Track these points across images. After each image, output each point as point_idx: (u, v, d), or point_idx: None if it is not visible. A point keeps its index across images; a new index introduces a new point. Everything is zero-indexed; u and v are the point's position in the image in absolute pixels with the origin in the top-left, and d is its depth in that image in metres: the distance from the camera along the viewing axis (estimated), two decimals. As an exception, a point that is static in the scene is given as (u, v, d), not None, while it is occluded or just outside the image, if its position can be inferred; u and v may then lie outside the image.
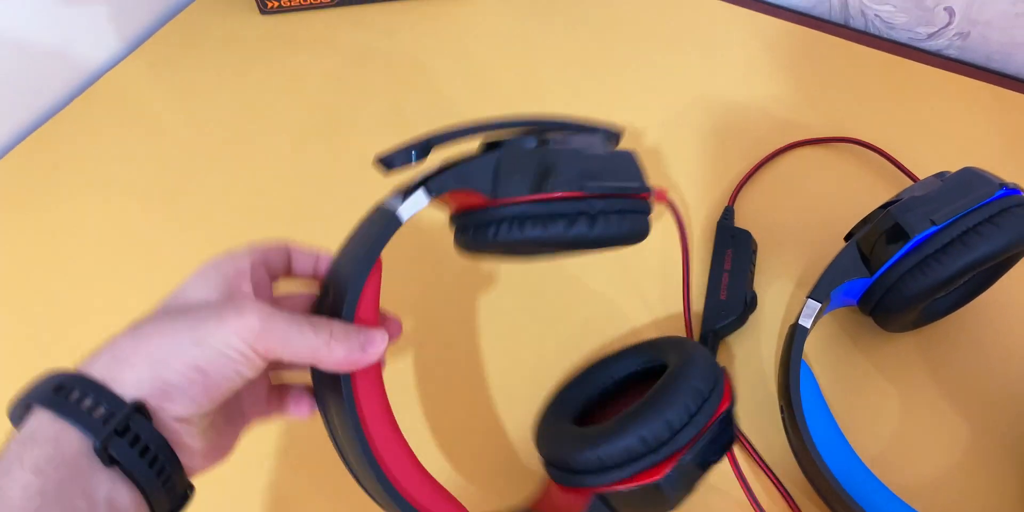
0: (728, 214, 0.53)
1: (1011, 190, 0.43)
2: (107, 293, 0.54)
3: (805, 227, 0.54)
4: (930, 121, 0.59)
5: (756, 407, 0.46)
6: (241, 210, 0.58)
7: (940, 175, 0.45)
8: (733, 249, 0.51)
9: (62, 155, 0.63)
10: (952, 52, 0.65)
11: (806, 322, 0.43)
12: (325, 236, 0.40)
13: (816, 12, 0.69)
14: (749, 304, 0.48)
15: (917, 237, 0.41)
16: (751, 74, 0.64)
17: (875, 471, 0.43)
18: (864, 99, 0.61)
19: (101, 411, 0.28)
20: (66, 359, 0.32)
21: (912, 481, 0.44)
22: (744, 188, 0.56)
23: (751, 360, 0.49)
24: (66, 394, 0.28)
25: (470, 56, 0.67)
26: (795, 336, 0.43)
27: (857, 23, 0.68)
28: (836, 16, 0.68)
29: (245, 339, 0.30)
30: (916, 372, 0.47)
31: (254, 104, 0.65)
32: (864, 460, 0.43)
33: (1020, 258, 0.46)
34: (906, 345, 0.48)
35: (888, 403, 0.46)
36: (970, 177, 0.43)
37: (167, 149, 0.62)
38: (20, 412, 0.29)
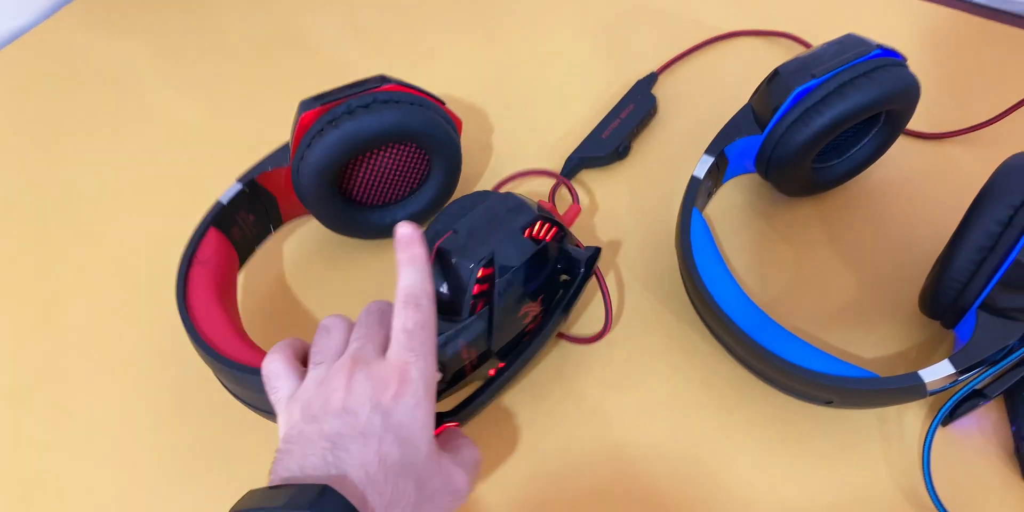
0: (650, 78, 0.60)
1: (887, 51, 0.46)
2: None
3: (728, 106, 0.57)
4: (856, 28, 0.63)
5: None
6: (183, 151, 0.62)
7: (827, 42, 0.48)
8: (635, 105, 0.57)
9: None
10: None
11: (699, 173, 0.47)
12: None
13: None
14: (620, 152, 0.55)
15: (798, 90, 0.45)
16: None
17: (770, 312, 0.46)
18: (795, 6, 0.65)
19: None
20: None
21: (801, 322, 0.47)
22: (680, 66, 0.62)
23: (609, 199, 0.55)
24: None
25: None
26: (688, 186, 0.46)
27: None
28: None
29: None
30: (812, 234, 0.51)
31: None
32: (760, 304, 0.47)
33: (903, 124, 0.49)
34: (804, 210, 0.52)
35: (784, 259, 0.50)
36: (851, 40, 0.47)
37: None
38: None
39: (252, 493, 0.33)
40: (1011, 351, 0.40)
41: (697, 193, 0.46)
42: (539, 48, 0.64)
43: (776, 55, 0.61)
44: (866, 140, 0.50)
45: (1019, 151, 0.44)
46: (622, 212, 0.53)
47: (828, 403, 0.42)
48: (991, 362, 0.40)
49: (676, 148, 0.56)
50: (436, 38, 0.66)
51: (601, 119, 0.57)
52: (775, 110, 0.46)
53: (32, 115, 0.64)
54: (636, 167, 0.56)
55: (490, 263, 0.39)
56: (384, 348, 0.38)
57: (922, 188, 0.52)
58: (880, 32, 0.61)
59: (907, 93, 0.46)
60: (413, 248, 0.39)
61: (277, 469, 0.34)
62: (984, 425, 0.43)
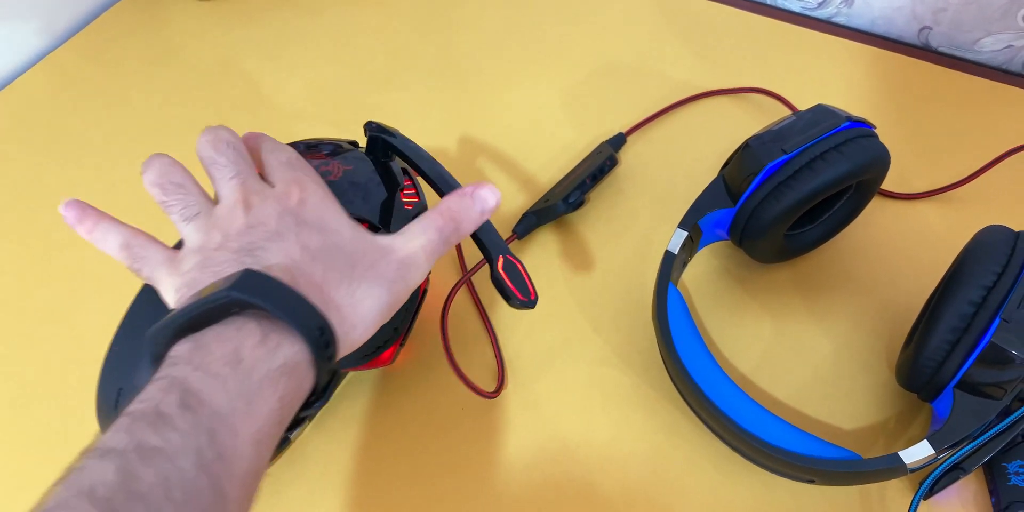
0: (617, 139, 0.60)
1: (856, 123, 0.46)
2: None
3: (706, 170, 0.57)
4: (823, 82, 0.63)
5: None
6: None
7: (797, 113, 0.48)
8: (594, 160, 0.58)
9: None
10: (840, 19, 0.69)
11: (673, 248, 0.47)
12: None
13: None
14: (571, 204, 0.55)
15: (770, 165, 0.45)
16: (662, 44, 0.68)
17: (749, 385, 0.47)
18: (765, 64, 0.65)
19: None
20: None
21: (780, 393, 0.47)
22: (651, 128, 0.62)
23: (547, 252, 0.55)
24: None
25: (393, 33, 0.71)
26: (663, 261, 0.46)
27: (755, -5, 0.72)
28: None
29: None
30: (788, 299, 0.51)
31: (189, 87, 0.68)
32: (738, 375, 0.47)
33: (875, 190, 0.49)
34: (780, 275, 0.52)
35: (761, 327, 0.50)
36: (821, 112, 0.47)
37: (117, 126, 0.66)
38: None
39: (169, 312, 0.30)
40: (989, 426, 0.40)
41: (672, 267, 0.46)
42: (507, 108, 0.64)
43: (747, 113, 0.62)
44: (838, 205, 0.50)
45: (991, 223, 0.44)
46: (591, 276, 0.53)
47: (810, 482, 0.42)
48: (970, 438, 0.40)
49: (647, 209, 0.56)
50: (404, 95, 0.66)
51: (560, 178, 0.58)
52: (747, 184, 0.46)
53: (59, 131, 0.64)
54: (599, 226, 0.56)
55: None
56: (262, 180, 0.36)
57: (895, 250, 0.53)
58: (847, 86, 0.62)
59: (878, 164, 0.46)
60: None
61: (181, 299, 0.32)
62: (964, 497, 0.43)
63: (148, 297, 0.40)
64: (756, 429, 0.41)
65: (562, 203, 0.55)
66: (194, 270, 0.33)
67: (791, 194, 0.45)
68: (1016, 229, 0.43)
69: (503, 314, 0.52)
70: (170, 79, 0.68)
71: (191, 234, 0.34)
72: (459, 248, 0.55)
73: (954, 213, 0.54)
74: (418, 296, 0.47)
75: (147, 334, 0.30)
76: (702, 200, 0.48)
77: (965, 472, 0.42)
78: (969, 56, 0.66)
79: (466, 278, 0.52)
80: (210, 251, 0.33)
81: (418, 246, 0.35)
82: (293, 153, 0.38)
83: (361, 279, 0.33)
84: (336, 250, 0.33)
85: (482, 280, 0.53)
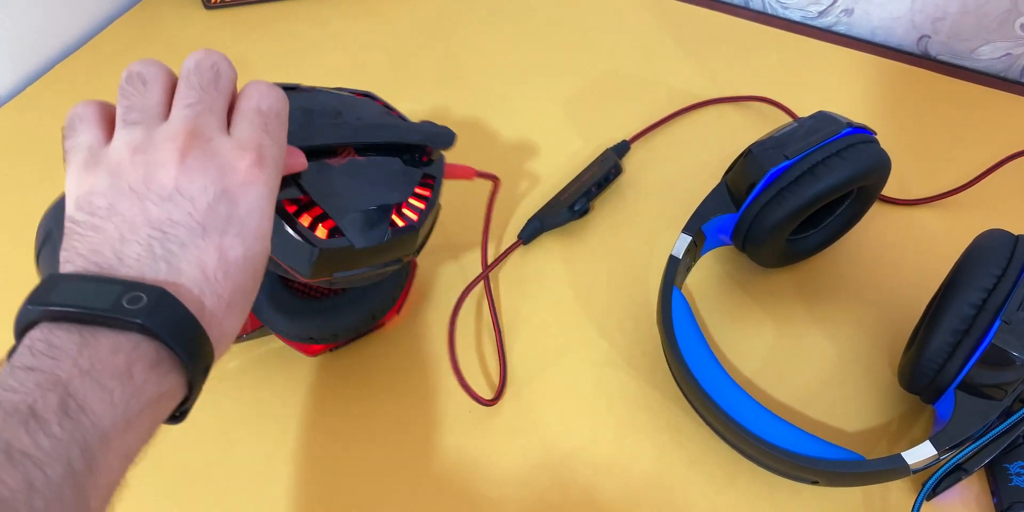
0: (621, 146, 0.60)
1: (857, 129, 0.47)
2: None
3: (708, 176, 0.58)
4: (824, 90, 0.64)
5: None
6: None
7: (798, 119, 0.49)
8: (598, 168, 0.58)
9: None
10: (841, 28, 0.70)
11: (677, 252, 0.47)
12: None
13: (720, -3, 0.74)
14: (577, 211, 0.56)
15: (772, 171, 0.46)
16: (665, 54, 0.68)
17: (753, 388, 0.48)
18: (767, 72, 0.66)
19: None
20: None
21: (783, 395, 0.48)
22: (654, 135, 0.62)
23: (579, 265, 0.55)
24: None
25: (397, 44, 0.72)
26: (668, 265, 0.47)
27: (756, 5, 0.73)
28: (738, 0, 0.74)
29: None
30: (791, 303, 0.52)
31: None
32: (742, 378, 0.48)
33: (876, 195, 0.50)
34: (782, 279, 0.53)
35: (764, 330, 0.51)
36: (822, 118, 0.48)
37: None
38: None
39: (59, 280, 0.27)
40: (991, 427, 0.41)
41: (676, 271, 0.47)
42: (511, 116, 0.65)
43: (749, 120, 0.62)
44: (840, 210, 0.51)
45: (990, 227, 0.45)
46: (596, 281, 0.54)
47: (814, 483, 0.42)
48: (972, 439, 0.41)
49: (650, 215, 0.57)
50: (410, 105, 0.66)
51: (568, 182, 0.58)
52: (749, 190, 0.47)
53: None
54: (603, 232, 0.56)
55: None
56: (225, 124, 0.32)
57: (897, 254, 0.53)
58: (848, 93, 0.63)
59: (878, 169, 0.47)
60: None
61: (80, 248, 0.29)
62: (967, 497, 0.44)
63: None
64: (760, 431, 0.41)
65: (568, 210, 0.55)
66: (99, 218, 0.29)
67: (793, 199, 0.46)
68: (1016, 233, 0.44)
69: (508, 318, 0.52)
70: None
71: (118, 142, 0.31)
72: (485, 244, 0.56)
73: (954, 218, 0.55)
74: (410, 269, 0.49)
75: (35, 290, 0.27)
76: (705, 205, 0.49)
77: (967, 473, 0.42)
78: (967, 64, 0.66)
79: (483, 276, 0.53)
80: (122, 196, 0.29)
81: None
82: (282, 106, 0.33)
83: (253, 293, 0.31)
84: (251, 264, 0.30)
85: (497, 283, 0.54)
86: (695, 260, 0.51)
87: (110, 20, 0.77)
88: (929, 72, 0.64)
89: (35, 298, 0.27)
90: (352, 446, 0.47)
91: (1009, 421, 0.41)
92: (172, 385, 0.29)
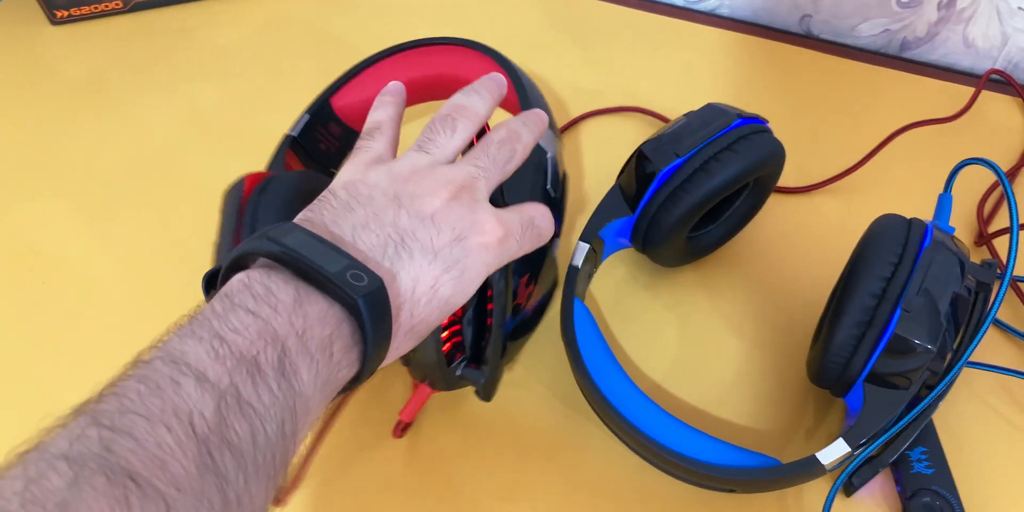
0: None
1: (748, 119, 0.46)
2: None
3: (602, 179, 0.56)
4: (712, 76, 0.63)
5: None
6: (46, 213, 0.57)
7: (688, 114, 0.48)
8: None
9: None
10: (724, 10, 0.69)
11: (576, 262, 0.45)
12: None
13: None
14: None
15: (664, 170, 0.44)
16: (552, 47, 0.66)
17: (662, 393, 0.46)
18: (653, 62, 0.64)
19: None
20: None
21: (694, 398, 0.46)
22: None
23: None
24: None
25: (269, 51, 0.68)
26: (567, 275, 0.45)
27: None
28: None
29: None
30: (695, 301, 0.51)
31: (50, 116, 0.64)
32: (651, 383, 0.47)
33: (773, 185, 0.49)
34: (685, 277, 0.52)
35: (670, 332, 0.49)
36: (711, 111, 0.46)
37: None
38: None
39: (294, 229, 0.29)
40: (900, 417, 0.40)
41: (576, 281, 0.45)
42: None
43: (635, 124, 0.61)
44: (737, 203, 0.50)
45: (886, 208, 0.44)
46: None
47: (731, 491, 0.41)
48: (883, 431, 0.40)
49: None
50: (282, 117, 0.63)
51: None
52: (643, 191, 0.45)
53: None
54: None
55: None
56: (489, 194, 0.35)
57: (797, 243, 0.53)
58: (734, 79, 0.62)
59: (772, 159, 0.46)
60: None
61: (325, 215, 0.31)
62: (872, 488, 0.43)
63: None
64: (671, 442, 0.40)
65: None
66: (356, 202, 0.32)
67: (688, 198, 0.44)
68: (908, 215, 0.43)
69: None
70: (36, 106, 0.64)
71: (406, 159, 0.34)
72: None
73: (849, 201, 0.55)
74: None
75: (272, 229, 0.28)
76: (601, 210, 0.47)
77: (884, 464, 0.42)
78: (849, 42, 0.67)
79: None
80: (386, 196, 0.32)
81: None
82: (546, 236, 0.37)
83: (419, 337, 0.33)
84: (446, 309, 0.32)
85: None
86: (596, 267, 0.49)
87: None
88: (813, 52, 0.64)
89: (274, 234, 0.28)
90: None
91: (917, 409, 0.40)
92: (347, 377, 0.29)
